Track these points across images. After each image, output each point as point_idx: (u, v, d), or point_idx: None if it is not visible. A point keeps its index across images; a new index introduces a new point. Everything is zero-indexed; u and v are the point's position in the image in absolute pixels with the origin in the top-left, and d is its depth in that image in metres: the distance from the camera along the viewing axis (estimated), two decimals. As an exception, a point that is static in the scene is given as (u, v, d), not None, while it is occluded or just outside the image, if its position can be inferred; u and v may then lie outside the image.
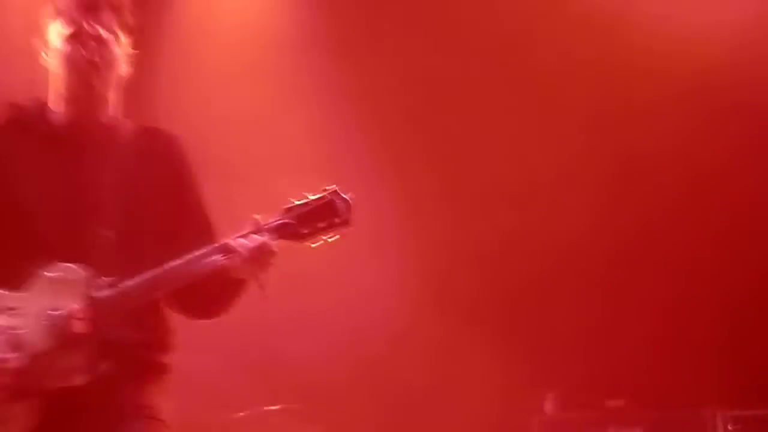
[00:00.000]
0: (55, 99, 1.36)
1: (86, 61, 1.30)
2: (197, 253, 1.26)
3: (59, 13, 1.36)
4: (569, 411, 3.07)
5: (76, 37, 1.31)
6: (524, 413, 3.02)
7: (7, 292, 1.25)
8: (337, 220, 1.30)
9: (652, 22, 2.79)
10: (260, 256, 1.25)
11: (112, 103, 1.38)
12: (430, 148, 2.98)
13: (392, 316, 2.95)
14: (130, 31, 1.39)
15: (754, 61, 2.75)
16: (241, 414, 3.03)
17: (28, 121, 1.41)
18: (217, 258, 1.26)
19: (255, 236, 1.24)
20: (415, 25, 3.00)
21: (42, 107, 1.40)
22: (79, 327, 1.19)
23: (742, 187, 2.86)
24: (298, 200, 1.30)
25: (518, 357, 3.01)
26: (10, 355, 1.19)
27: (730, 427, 2.90)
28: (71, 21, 1.33)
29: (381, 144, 2.93)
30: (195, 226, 1.39)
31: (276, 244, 1.27)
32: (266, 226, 1.25)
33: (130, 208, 1.32)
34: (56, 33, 1.34)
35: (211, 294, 1.38)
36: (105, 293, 1.21)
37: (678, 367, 3.06)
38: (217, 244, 1.26)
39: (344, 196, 1.34)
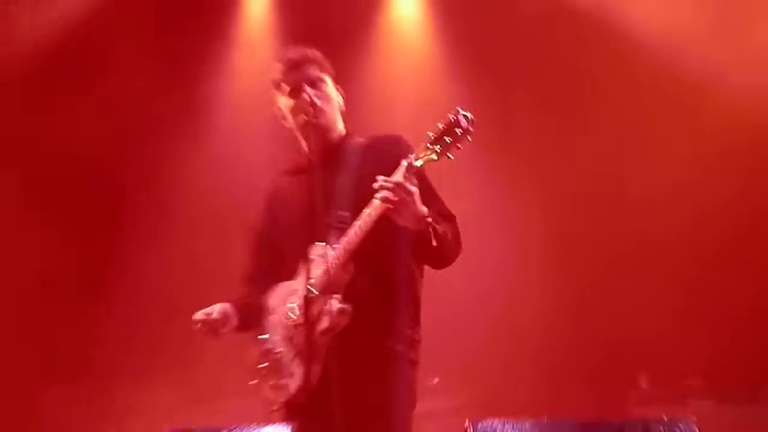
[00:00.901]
0: (301, 144, 1.80)
1: (311, 118, 1.72)
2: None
3: (277, 87, 1.83)
4: (657, 387, 3.78)
5: (297, 99, 1.76)
6: (623, 388, 3.72)
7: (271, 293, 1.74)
8: (460, 132, 1.59)
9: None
10: (402, 194, 1.53)
11: (339, 128, 1.84)
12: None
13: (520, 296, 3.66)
14: (332, 74, 1.85)
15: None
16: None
17: (294, 170, 1.88)
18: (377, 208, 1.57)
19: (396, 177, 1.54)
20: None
21: (300, 158, 1.83)
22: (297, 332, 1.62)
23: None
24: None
25: (619, 342, 3.69)
26: (284, 381, 1.65)
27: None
28: (291, 93, 1.78)
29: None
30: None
31: (414, 182, 1.55)
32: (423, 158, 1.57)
33: (363, 194, 1.63)
34: (282, 98, 1.81)
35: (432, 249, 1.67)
36: (317, 282, 1.57)
37: (738, 353, 3.67)
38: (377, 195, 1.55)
39: (464, 113, 1.60)
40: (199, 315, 1.76)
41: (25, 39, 3.88)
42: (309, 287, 1.61)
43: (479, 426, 2.00)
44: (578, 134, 3.84)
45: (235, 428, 2.25)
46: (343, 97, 1.91)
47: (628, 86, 3.81)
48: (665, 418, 2.03)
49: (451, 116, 1.61)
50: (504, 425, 2.00)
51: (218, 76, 3.90)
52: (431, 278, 1.94)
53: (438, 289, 2.23)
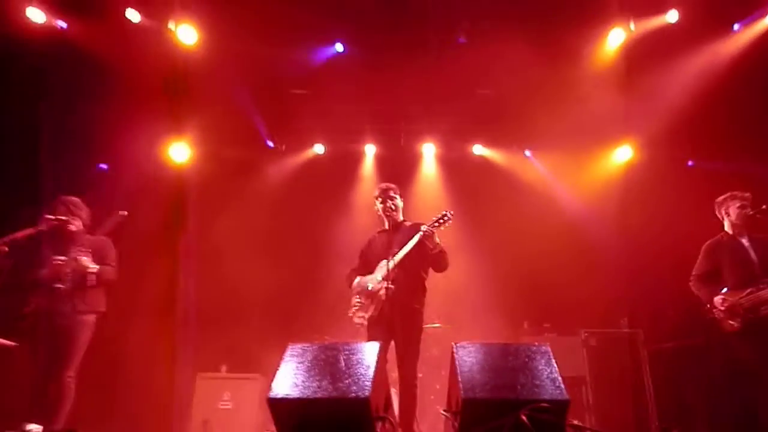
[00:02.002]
0: (384, 223, 4.70)
1: (389, 210, 4.64)
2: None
3: (376, 198, 4.82)
4: (532, 328, 6.79)
5: (384, 204, 4.68)
6: (516, 328, 6.90)
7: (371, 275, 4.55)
8: (447, 218, 4.41)
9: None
10: (430, 236, 4.40)
11: (400, 217, 4.75)
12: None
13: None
14: (398, 193, 4.83)
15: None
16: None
17: (380, 232, 4.84)
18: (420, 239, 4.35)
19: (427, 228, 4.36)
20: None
21: (383, 228, 4.78)
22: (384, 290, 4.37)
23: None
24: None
25: (516, 306, 6.99)
26: (363, 314, 4.46)
27: (587, 337, 6.36)
28: (381, 201, 4.76)
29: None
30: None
31: (433, 232, 4.33)
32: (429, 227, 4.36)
33: (406, 243, 4.55)
34: (378, 203, 4.77)
35: (434, 260, 4.60)
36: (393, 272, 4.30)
37: (563, 308, 6.74)
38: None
39: (449, 212, 4.41)
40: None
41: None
42: (380, 277, 4.36)
43: (459, 345, 2.97)
44: (502, 227, 7.39)
45: (341, 342, 3.21)
46: (402, 204, 4.91)
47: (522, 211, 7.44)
48: (536, 344, 3.00)
49: (443, 212, 4.41)
50: (470, 344, 2.99)
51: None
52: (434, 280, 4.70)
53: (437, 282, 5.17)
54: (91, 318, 4.57)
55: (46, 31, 6.05)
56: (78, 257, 4.48)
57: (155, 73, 6.60)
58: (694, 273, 4.92)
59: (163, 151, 7.42)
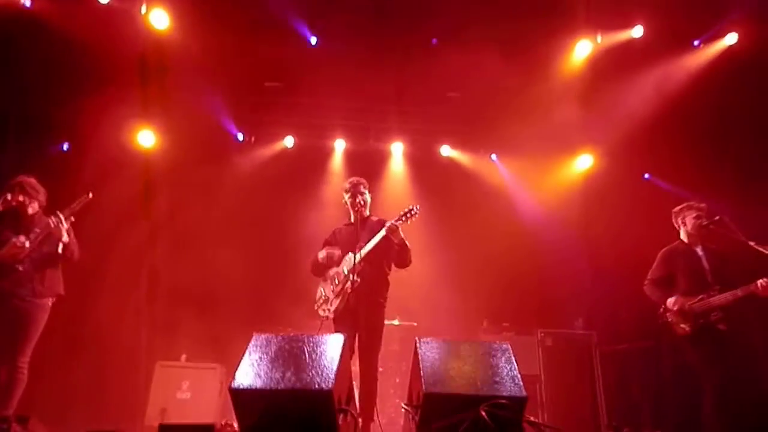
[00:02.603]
0: (352, 216, 4.77)
1: (358, 204, 4.67)
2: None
3: (346, 192, 4.94)
4: (491, 327, 6.96)
5: (354, 199, 4.72)
6: (475, 327, 7.07)
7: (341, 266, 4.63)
8: (413, 212, 4.49)
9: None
10: (395, 231, 4.48)
11: (367, 212, 4.84)
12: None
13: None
14: (367, 188, 4.89)
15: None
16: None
17: (347, 224, 4.86)
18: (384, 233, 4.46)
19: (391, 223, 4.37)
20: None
21: (350, 221, 4.78)
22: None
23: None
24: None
25: (476, 305, 7.15)
26: (329, 306, 4.53)
27: (544, 337, 6.61)
28: (351, 195, 4.81)
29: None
30: None
31: (396, 226, 4.39)
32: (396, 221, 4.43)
33: (372, 237, 4.59)
34: (347, 196, 4.83)
35: (397, 255, 4.66)
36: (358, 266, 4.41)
37: (521, 308, 7.05)
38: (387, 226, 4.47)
39: (415, 207, 4.48)
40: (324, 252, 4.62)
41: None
42: (346, 270, 4.45)
43: (422, 340, 3.04)
44: (465, 227, 7.68)
45: (306, 334, 3.01)
46: (370, 200, 4.90)
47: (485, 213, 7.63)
48: (497, 342, 3.09)
49: (410, 206, 4.49)
50: (433, 340, 3.05)
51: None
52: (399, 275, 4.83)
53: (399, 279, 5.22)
54: (48, 301, 4.49)
55: (10, 7, 5.95)
56: (57, 223, 4.39)
57: (124, 56, 6.58)
58: (649, 278, 5.07)
59: (130, 135, 7.28)
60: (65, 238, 4.45)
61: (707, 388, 4.53)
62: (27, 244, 4.33)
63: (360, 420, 4.21)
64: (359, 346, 4.40)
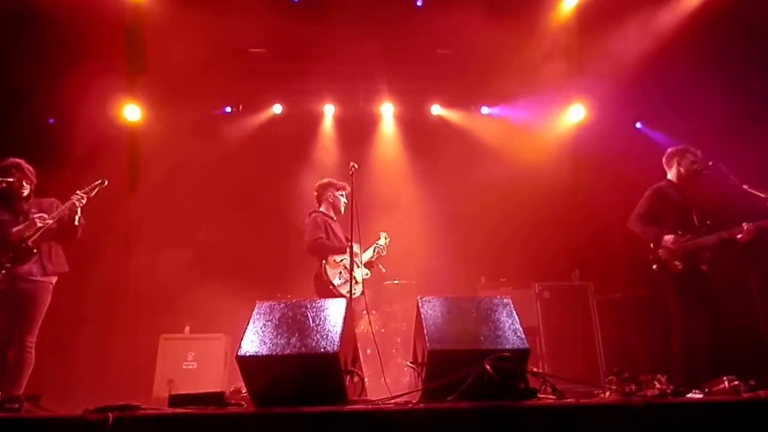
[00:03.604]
0: (334, 213, 5.52)
1: (344, 205, 5.62)
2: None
3: (333, 187, 5.57)
4: (489, 282, 7.09)
5: (341, 200, 5.54)
6: (474, 283, 7.20)
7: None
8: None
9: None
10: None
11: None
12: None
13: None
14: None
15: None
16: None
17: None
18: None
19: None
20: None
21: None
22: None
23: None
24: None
25: (475, 261, 7.28)
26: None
27: (541, 290, 6.78)
28: (345, 195, 5.50)
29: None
30: None
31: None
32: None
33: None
34: (338, 195, 5.52)
35: None
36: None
37: (518, 262, 7.15)
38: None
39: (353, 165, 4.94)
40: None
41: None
42: (352, 260, 4.91)
43: (424, 299, 3.04)
44: (459, 186, 7.71)
45: (308, 299, 3.06)
46: None
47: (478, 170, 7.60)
48: (497, 297, 3.07)
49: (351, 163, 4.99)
50: (435, 299, 3.05)
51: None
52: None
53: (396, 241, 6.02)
54: (53, 280, 4.51)
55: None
56: (78, 200, 4.43)
57: (104, 28, 6.47)
58: (636, 213, 5.04)
59: (116, 109, 7.17)
60: (80, 213, 4.47)
61: (675, 331, 4.64)
62: (49, 221, 4.33)
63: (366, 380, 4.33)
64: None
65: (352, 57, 7.34)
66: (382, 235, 5.60)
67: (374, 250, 5.43)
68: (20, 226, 4.35)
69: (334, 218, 5.42)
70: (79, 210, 4.44)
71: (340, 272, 5.06)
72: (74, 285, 5.64)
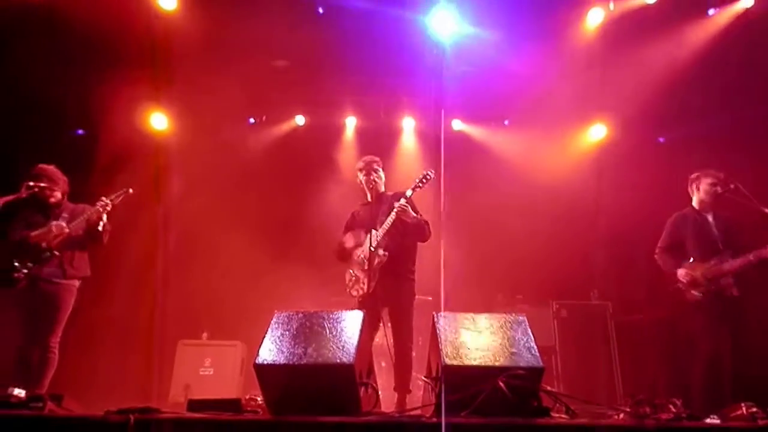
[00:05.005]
0: (367, 194, 4.77)
1: (372, 182, 4.72)
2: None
3: (360, 170, 4.86)
4: (506, 300, 6.91)
5: (368, 177, 4.78)
6: (491, 300, 7.04)
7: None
8: (428, 177, 4.56)
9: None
10: (404, 212, 4.40)
11: (382, 188, 4.81)
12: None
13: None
14: (381, 165, 5.04)
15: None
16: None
17: (363, 203, 4.86)
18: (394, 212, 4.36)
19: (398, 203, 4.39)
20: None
21: (366, 200, 4.76)
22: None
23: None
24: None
25: (492, 279, 7.04)
26: (359, 287, 4.48)
27: (558, 308, 6.76)
28: (365, 173, 4.83)
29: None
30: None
31: (406, 207, 4.37)
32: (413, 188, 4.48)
33: (390, 212, 4.51)
34: (362, 175, 4.86)
35: (414, 231, 4.63)
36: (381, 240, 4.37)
37: (535, 280, 6.92)
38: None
39: (430, 172, 4.55)
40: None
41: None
42: (371, 247, 4.29)
43: (439, 314, 3.11)
44: (478, 201, 7.55)
45: (326, 310, 3.12)
46: (384, 176, 4.92)
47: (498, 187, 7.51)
48: (512, 314, 3.12)
49: (425, 172, 4.54)
50: (451, 314, 3.11)
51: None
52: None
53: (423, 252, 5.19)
54: (76, 283, 4.62)
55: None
56: (105, 206, 4.58)
57: (132, 39, 6.60)
58: (659, 245, 5.08)
59: (143, 118, 7.33)
60: (105, 219, 4.60)
61: (699, 358, 4.59)
62: (66, 229, 4.43)
63: (396, 391, 4.32)
64: (391, 321, 4.41)
65: (375, 70, 7.40)
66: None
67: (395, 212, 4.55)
68: (37, 231, 4.50)
69: (368, 200, 4.85)
70: (104, 216, 4.54)
71: (350, 271, 4.65)
72: (99, 288, 5.75)
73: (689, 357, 4.86)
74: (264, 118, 8.35)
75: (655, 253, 5.09)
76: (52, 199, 4.56)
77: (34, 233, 4.39)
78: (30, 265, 4.27)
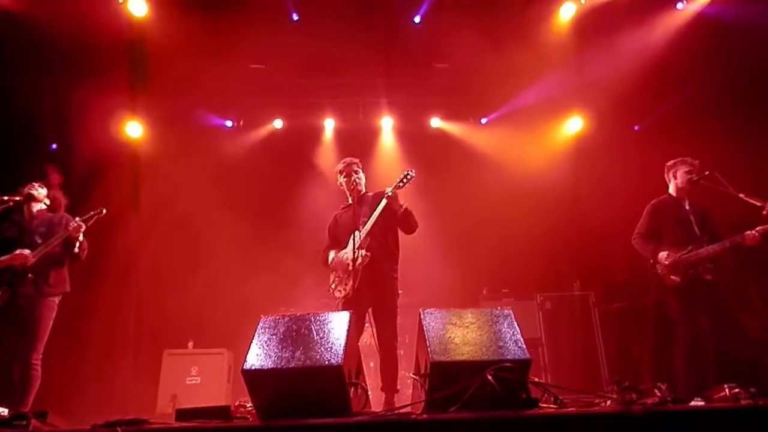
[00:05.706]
0: (348, 196, 4.78)
1: (353, 183, 4.67)
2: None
3: (340, 173, 4.79)
4: (491, 294, 7.08)
5: (348, 179, 4.69)
6: (476, 294, 7.21)
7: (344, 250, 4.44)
8: (409, 176, 4.54)
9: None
10: (394, 198, 4.47)
11: (364, 189, 4.74)
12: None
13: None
14: (360, 167, 4.82)
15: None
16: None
17: (345, 206, 4.80)
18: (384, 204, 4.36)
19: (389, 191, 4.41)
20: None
21: (347, 202, 4.79)
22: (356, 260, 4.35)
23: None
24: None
25: (475, 275, 7.23)
26: (342, 287, 4.38)
27: (543, 300, 6.98)
28: (345, 175, 4.74)
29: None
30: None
31: (396, 193, 4.41)
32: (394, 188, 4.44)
33: (372, 212, 4.53)
34: (342, 177, 4.76)
35: (402, 222, 4.57)
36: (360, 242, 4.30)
37: (519, 274, 7.16)
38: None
39: (411, 171, 4.55)
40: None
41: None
42: (354, 249, 4.28)
43: (426, 311, 3.10)
44: (460, 198, 7.63)
45: (312, 313, 3.09)
46: (364, 177, 4.84)
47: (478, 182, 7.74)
48: (498, 308, 3.13)
49: (405, 171, 4.56)
50: (437, 311, 3.10)
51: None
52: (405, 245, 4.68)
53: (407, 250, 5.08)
54: (56, 299, 4.54)
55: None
56: (78, 227, 4.48)
57: (104, 47, 6.52)
58: (637, 231, 5.13)
59: (118, 127, 7.24)
60: (82, 238, 4.52)
61: (678, 341, 4.66)
62: (30, 259, 4.41)
63: (383, 390, 4.31)
64: (375, 321, 4.40)
65: (352, 71, 7.40)
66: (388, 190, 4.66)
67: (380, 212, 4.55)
68: (5, 257, 4.44)
69: (349, 203, 4.83)
70: (80, 236, 4.48)
71: (334, 273, 4.59)
72: (79, 301, 5.67)
73: (671, 342, 4.93)
74: (241, 122, 8.28)
75: (633, 238, 5.13)
76: (32, 210, 4.49)
77: (2, 258, 4.34)
78: (5, 288, 4.18)
